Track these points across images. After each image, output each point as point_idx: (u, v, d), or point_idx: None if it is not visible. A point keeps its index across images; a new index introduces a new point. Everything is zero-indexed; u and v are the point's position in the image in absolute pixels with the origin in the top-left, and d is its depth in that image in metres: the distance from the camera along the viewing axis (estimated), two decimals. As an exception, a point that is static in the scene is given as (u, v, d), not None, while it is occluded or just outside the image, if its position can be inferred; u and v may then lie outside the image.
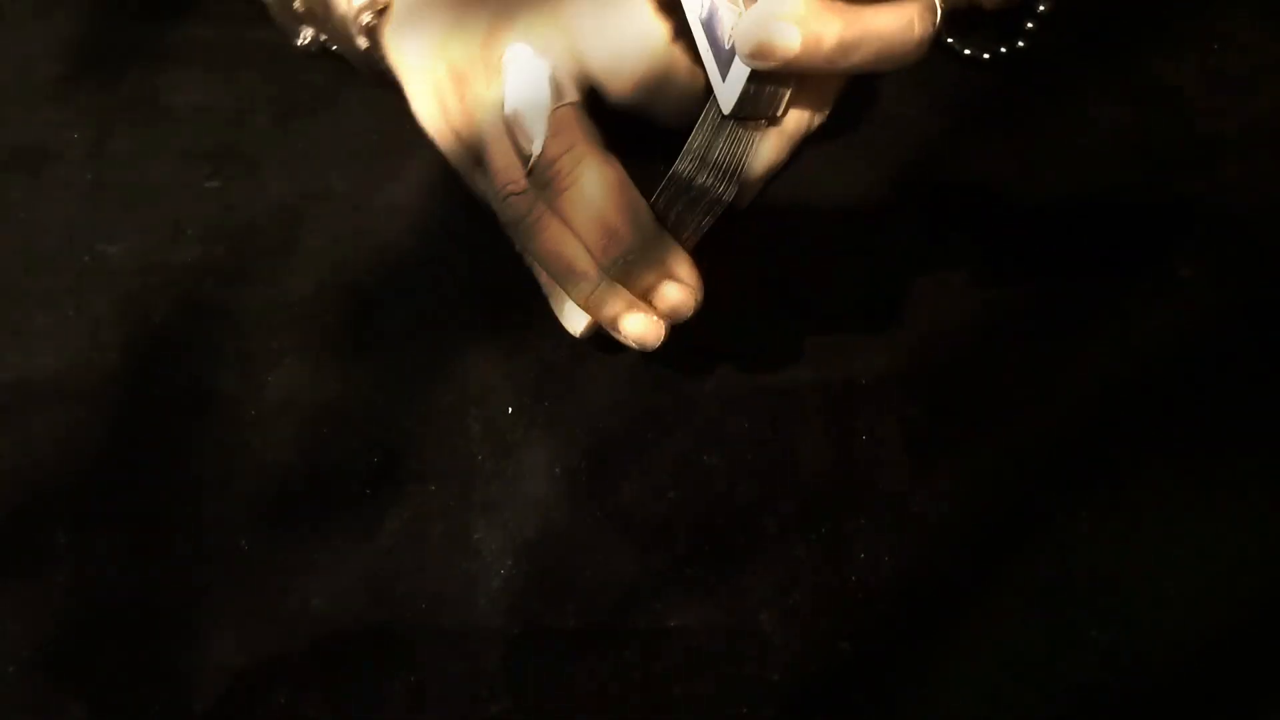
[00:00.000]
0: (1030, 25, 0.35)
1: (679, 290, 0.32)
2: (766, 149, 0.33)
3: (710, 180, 0.32)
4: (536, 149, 0.32)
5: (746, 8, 0.29)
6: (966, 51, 0.36)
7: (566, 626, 0.36)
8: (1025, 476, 0.36)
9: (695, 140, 0.32)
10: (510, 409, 0.37)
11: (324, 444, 0.37)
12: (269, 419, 0.37)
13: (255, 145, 0.38)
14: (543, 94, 0.33)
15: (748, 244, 0.37)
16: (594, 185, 0.32)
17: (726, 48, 0.30)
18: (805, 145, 0.36)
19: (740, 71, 0.30)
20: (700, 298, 0.33)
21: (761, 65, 0.29)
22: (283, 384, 0.37)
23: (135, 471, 0.37)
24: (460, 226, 0.37)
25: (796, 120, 0.33)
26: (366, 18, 0.35)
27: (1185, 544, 0.35)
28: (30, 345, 0.37)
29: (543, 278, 0.36)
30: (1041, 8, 0.34)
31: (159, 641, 0.36)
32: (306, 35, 0.38)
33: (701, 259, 0.33)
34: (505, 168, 0.33)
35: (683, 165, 0.32)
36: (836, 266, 0.36)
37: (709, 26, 0.31)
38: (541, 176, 0.32)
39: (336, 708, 0.36)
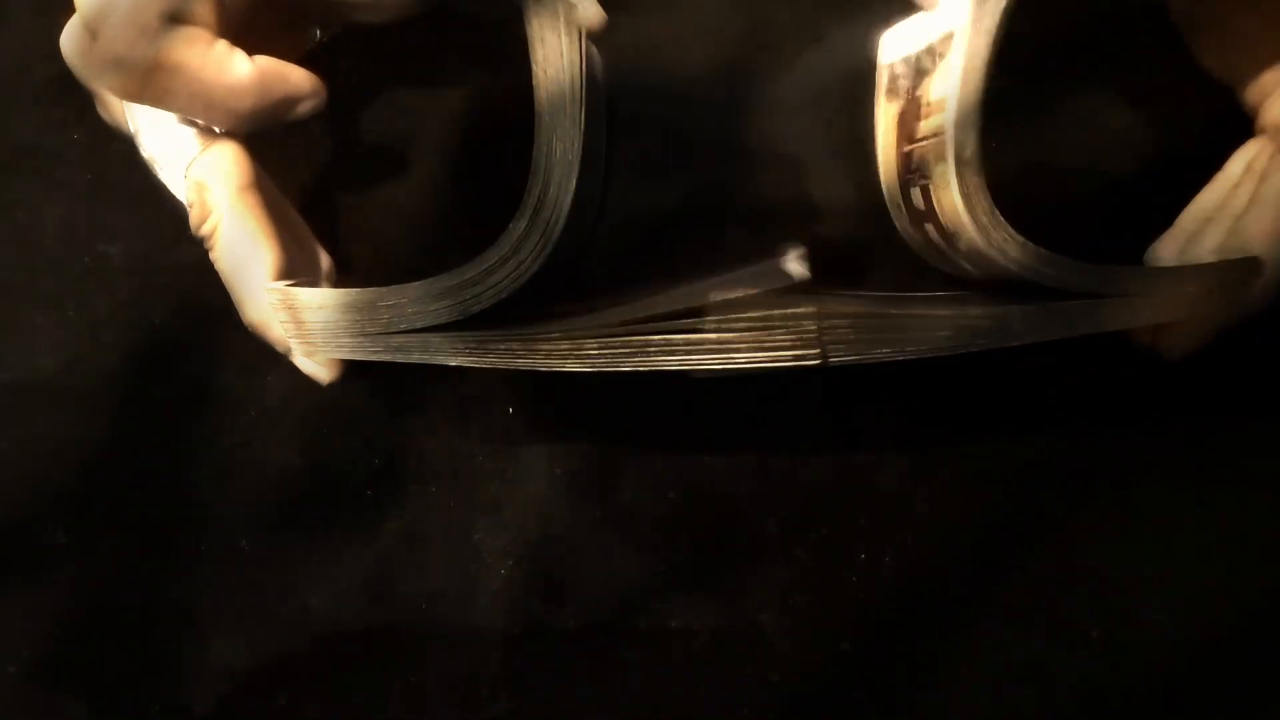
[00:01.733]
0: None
1: (303, 365, 0.33)
2: None
3: None
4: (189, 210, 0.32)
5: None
6: None
7: (566, 626, 0.36)
8: (1025, 476, 0.36)
9: None
10: (510, 409, 0.37)
11: (324, 444, 0.37)
12: (269, 419, 0.37)
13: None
14: (176, 147, 0.31)
15: (745, 244, 0.37)
16: (223, 259, 0.31)
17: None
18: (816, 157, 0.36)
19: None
20: (327, 381, 0.33)
21: None
22: (283, 384, 0.37)
23: (135, 471, 0.37)
24: (460, 226, 0.37)
25: None
26: None
27: (1185, 544, 0.35)
28: (30, 345, 0.37)
29: None
30: None
31: (159, 641, 0.36)
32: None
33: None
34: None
35: None
36: (836, 266, 0.36)
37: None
38: (195, 234, 0.32)
39: (336, 708, 0.36)
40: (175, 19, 0.28)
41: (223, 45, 0.29)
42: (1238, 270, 0.30)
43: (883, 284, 0.36)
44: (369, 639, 0.36)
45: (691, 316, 0.27)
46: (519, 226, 0.28)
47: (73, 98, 0.39)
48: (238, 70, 0.29)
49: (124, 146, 0.38)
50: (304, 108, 0.31)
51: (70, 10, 0.29)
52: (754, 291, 0.27)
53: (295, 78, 0.31)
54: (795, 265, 0.26)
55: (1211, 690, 0.35)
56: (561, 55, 0.28)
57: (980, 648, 0.35)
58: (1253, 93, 0.32)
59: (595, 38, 0.31)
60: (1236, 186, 0.32)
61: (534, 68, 0.28)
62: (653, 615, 0.36)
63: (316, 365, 0.32)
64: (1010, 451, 0.36)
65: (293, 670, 0.36)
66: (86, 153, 0.38)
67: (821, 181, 0.37)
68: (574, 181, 0.28)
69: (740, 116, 0.37)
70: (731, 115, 0.37)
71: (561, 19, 0.28)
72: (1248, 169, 0.32)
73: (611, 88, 0.35)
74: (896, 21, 0.31)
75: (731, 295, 0.27)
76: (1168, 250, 0.33)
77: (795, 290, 0.27)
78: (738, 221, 0.37)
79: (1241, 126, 0.33)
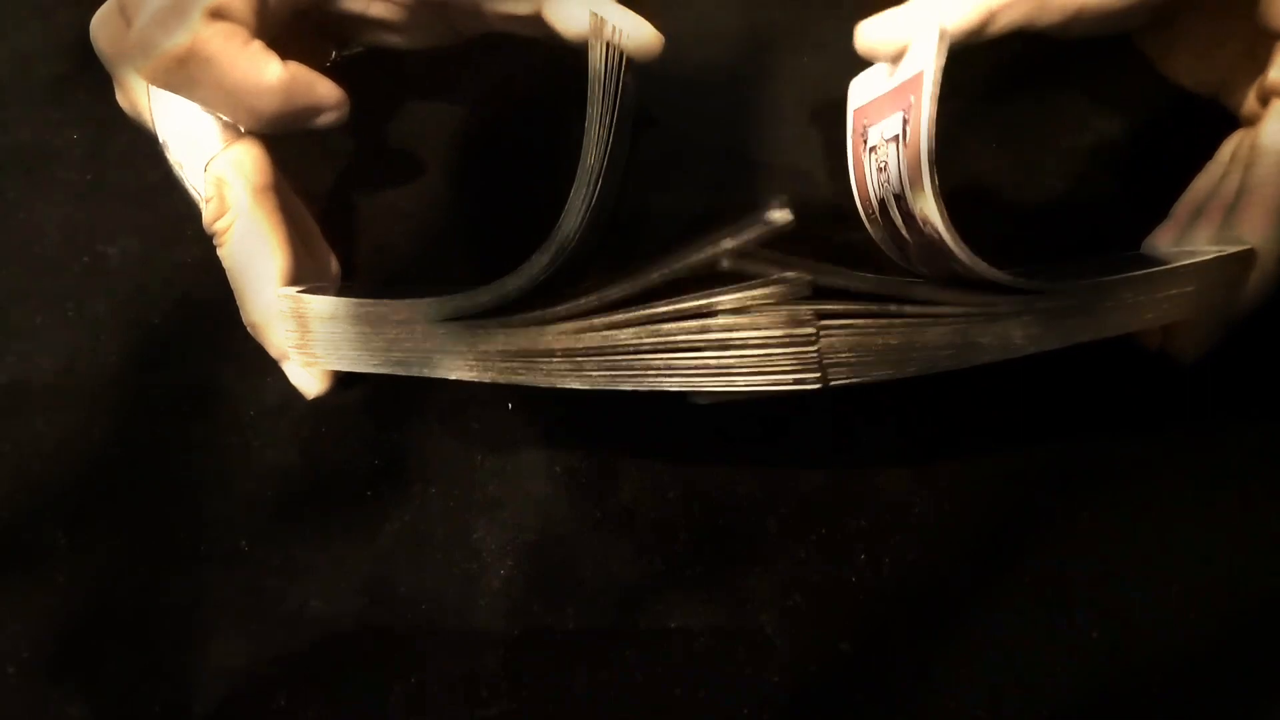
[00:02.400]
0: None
1: (293, 374, 0.33)
2: None
3: None
4: (202, 206, 0.32)
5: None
6: None
7: (566, 627, 0.36)
8: (1025, 477, 0.36)
9: None
10: (510, 407, 0.37)
11: (324, 444, 0.37)
12: (269, 419, 0.37)
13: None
14: (198, 142, 0.31)
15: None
16: (231, 257, 0.31)
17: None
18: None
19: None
20: (313, 394, 0.33)
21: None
22: (283, 384, 0.36)
23: (135, 471, 0.37)
24: (460, 227, 0.37)
25: None
26: None
27: (1185, 544, 0.35)
28: (30, 345, 0.37)
29: None
30: None
31: (159, 642, 0.36)
32: None
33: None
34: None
35: None
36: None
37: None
38: (208, 229, 0.32)
39: (336, 709, 0.36)
40: (216, 14, 0.28)
41: (258, 45, 0.29)
42: (1233, 264, 0.30)
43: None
44: (369, 639, 0.36)
45: (697, 306, 0.27)
46: (541, 259, 0.28)
47: (73, 98, 0.39)
48: (269, 72, 0.29)
49: (124, 146, 0.38)
50: (326, 118, 0.31)
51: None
52: (747, 239, 0.26)
53: (322, 88, 0.31)
54: (778, 213, 0.26)
55: (1211, 690, 0.35)
56: (616, 104, 0.28)
57: (980, 648, 0.35)
58: (1235, 93, 0.33)
59: (648, 61, 0.32)
60: (1225, 176, 0.32)
61: (589, 109, 0.28)
62: (653, 615, 0.36)
63: (306, 377, 0.32)
64: (1010, 452, 0.36)
65: (293, 670, 0.36)
66: (86, 153, 0.38)
67: (825, 184, 0.37)
68: (589, 212, 0.28)
69: (744, 120, 0.37)
70: (735, 119, 0.37)
71: (617, 64, 0.29)
72: (1233, 158, 0.32)
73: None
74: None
75: (723, 247, 0.27)
76: (1165, 240, 0.33)
77: (791, 264, 0.27)
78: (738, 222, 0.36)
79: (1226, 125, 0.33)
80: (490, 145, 0.38)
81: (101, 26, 0.30)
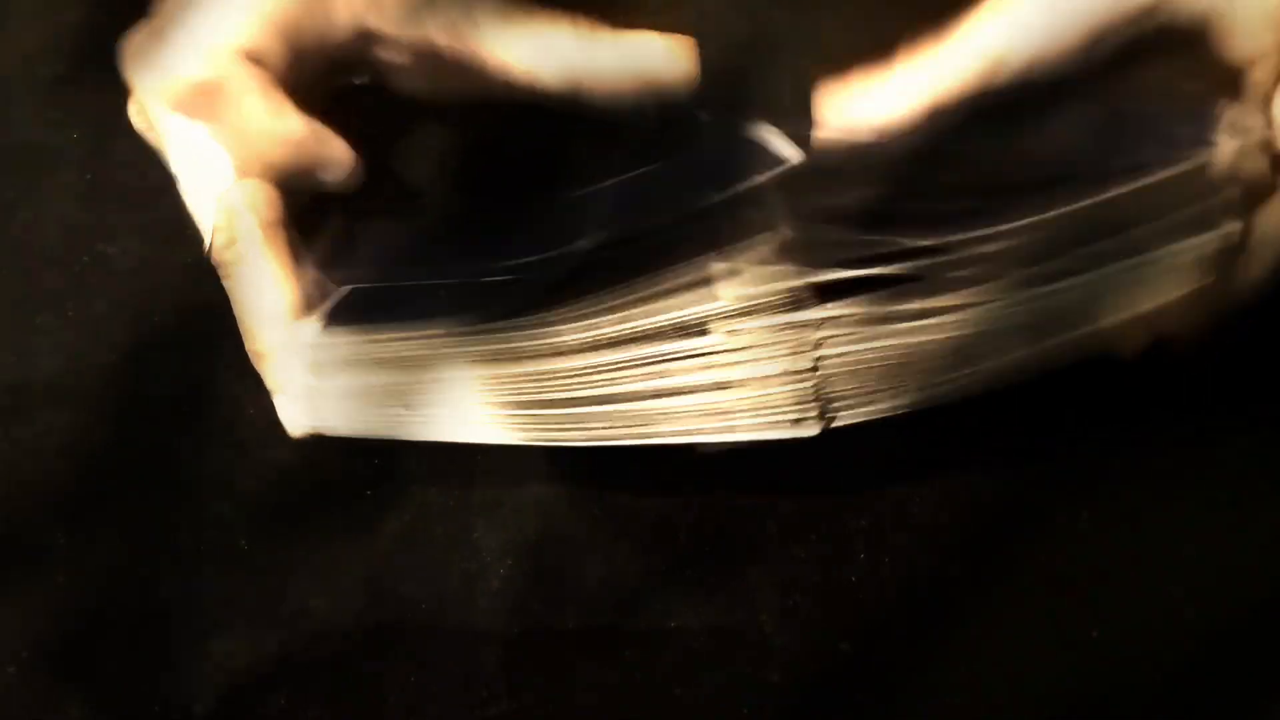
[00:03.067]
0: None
1: (283, 408, 0.32)
2: None
3: None
4: (206, 237, 0.31)
5: None
6: None
7: (566, 626, 0.36)
8: (1025, 477, 0.36)
9: None
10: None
11: (324, 444, 0.37)
12: (269, 418, 0.37)
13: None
14: (209, 173, 0.31)
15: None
16: (238, 289, 0.31)
17: None
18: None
19: None
20: (299, 434, 0.32)
21: None
22: (283, 384, 0.37)
23: (135, 471, 0.37)
24: (461, 229, 0.37)
25: None
26: None
27: (1185, 544, 0.35)
28: (30, 345, 0.37)
29: None
30: None
31: (159, 641, 0.36)
32: None
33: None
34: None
35: None
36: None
37: None
38: (215, 258, 0.32)
39: (336, 708, 0.36)
40: (248, 57, 0.29)
41: (282, 96, 0.29)
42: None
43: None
44: (369, 639, 0.36)
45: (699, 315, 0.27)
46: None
47: (73, 98, 0.39)
48: (287, 125, 0.30)
49: (124, 146, 0.38)
50: (333, 178, 0.31)
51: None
52: (751, 266, 0.27)
53: (336, 148, 0.31)
54: (784, 228, 0.26)
55: (1211, 690, 0.35)
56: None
57: (980, 648, 0.35)
58: None
59: None
60: None
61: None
62: (652, 615, 0.36)
63: (296, 413, 0.32)
64: (1010, 452, 0.36)
65: (293, 670, 0.36)
66: (86, 153, 0.38)
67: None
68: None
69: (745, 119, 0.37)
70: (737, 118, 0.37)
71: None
72: None
73: None
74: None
75: (730, 265, 0.27)
76: None
77: (797, 303, 0.27)
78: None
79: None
80: (491, 147, 0.38)
81: (132, 44, 0.30)
